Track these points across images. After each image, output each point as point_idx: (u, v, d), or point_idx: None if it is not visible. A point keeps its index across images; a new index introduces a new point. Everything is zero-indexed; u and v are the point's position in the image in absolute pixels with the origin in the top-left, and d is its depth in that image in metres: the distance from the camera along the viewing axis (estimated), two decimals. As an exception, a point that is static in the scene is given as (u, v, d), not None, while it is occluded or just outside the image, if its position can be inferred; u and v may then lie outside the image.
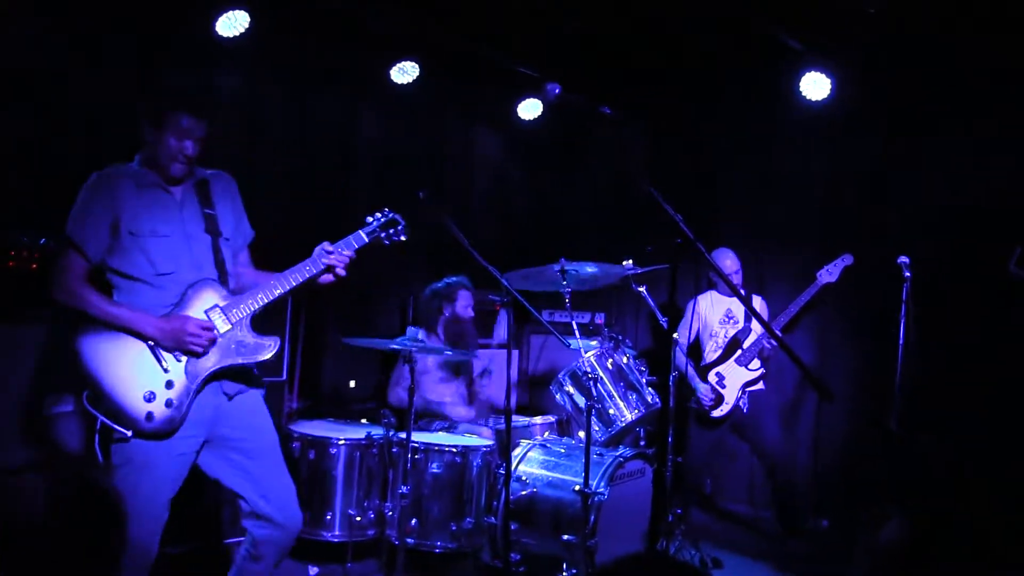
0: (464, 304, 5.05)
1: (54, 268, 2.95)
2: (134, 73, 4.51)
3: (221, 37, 4.65)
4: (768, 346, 5.12)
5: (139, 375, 2.86)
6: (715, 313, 5.32)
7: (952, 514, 4.36)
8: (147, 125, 3.00)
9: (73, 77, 4.26)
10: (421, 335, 4.81)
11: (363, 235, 3.27)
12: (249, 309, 3.06)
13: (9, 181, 4.09)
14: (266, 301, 3.08)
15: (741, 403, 5.10)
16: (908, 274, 4.52)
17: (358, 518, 4.28)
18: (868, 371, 5.40)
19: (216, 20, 4.60)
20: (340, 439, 4.31)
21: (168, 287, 2.97)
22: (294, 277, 3.11)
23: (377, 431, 4.37)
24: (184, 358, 2.92)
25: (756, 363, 5.15)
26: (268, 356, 3.06)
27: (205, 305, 2.99)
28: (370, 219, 3.33)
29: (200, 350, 2.92)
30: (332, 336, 5.24)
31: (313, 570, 4.26)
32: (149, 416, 2.84)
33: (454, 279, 5.09)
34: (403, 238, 3.36)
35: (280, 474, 3.17)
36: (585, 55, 5.75)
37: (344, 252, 3.19)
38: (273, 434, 3.23)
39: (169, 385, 2.89)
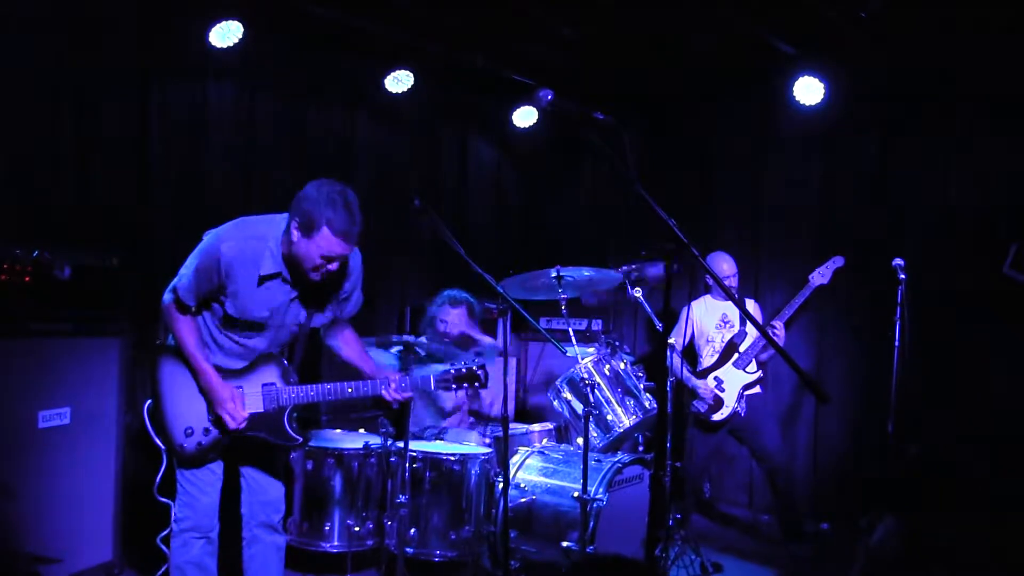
0: (447, 320, 4.92)
1: (164, 315, 3.20)
2: (127, 89, 4.53)
3: (215, 47, 4.66)
4: (764, 355, 5.13)
5: (189, 412, 3.18)
6: (711, 318, 5.32)
7: (941, 516, 4.36)
8: (298, 227, 2.99)
9: (64, 87, 4.27)
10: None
11: (431, 380, 3.32)
12: (296, 401, 3.22)
13: (2, 196, 4.09)
14: (312, 401, 3.24)
15: (740, 407, 5.10)
16: (903, 276, 4.53)
17: (357, 528, 4.26)
18: (865, 374, 5.41)
19: (210, 30, 4.61)
20: (338, 449, 4.29)
21: (245, 355, 3.22)
22: (348, 391, 3.24)
23: (375, 441, 4.36)
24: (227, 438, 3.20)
25: (753, 366, 5.15)
26: (295, 444, 3.25)
27: (265, 379, 3.22)
28: (450, 368, 3.34)
29: (228, 424, 3.13)
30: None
31: (312, 581, 4.25)
32: (181, 447, 3.19)
33: (444, 294, 5.02)
34: (480, 389, 3.40)
35: (266, 465, 3.39)
36: (579, 62, 5.77)
37: (404, 393, 3.28)
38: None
39: (206, 432, 3.19)
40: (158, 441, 3.26)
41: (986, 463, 4.79)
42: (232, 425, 3.12)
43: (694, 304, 5.43)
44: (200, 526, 3.26)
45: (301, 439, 3.25)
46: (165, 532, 3.24)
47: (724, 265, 5.23)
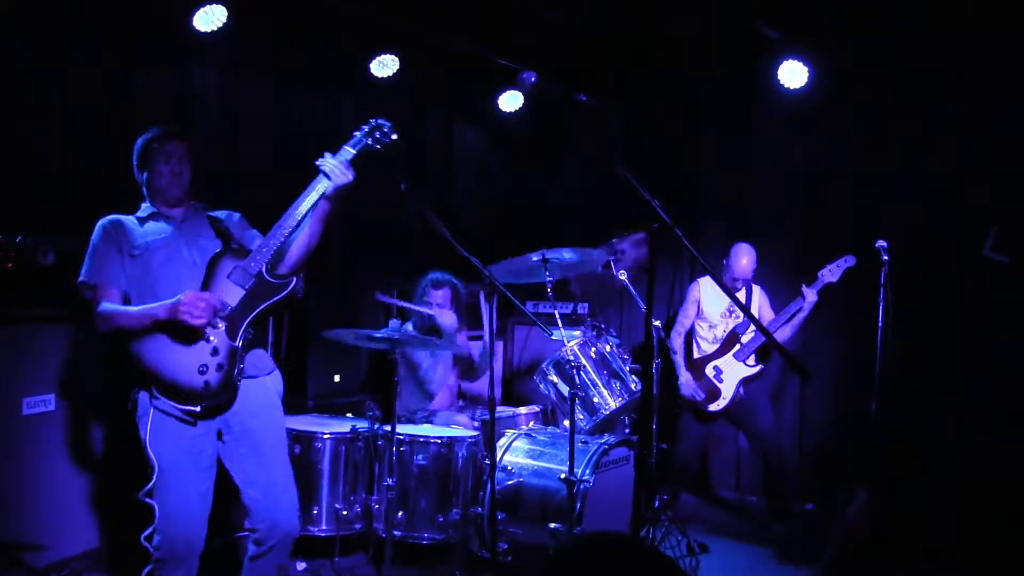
0: (431, 301, 4.92)
1: (89, 311, 3.09)
2: (110, 70, 4.48)
3: (199, 32, 4.62)
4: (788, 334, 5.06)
5: (188, 354, 3.00)
6: (718, 304, 5.24)
7: (919, 492, 4.41)
8: (138, 171, 3.25)
9: (45, 73, 4.23)
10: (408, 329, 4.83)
11: (349, 148, 3.24)
12: (267, 255, 3.11)
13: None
14: (280, 240, 3.11)
15: (737, 397, 5.09)
16: (886, 258, 4.56)
17: (345, 512, 4.28)
18: (849, 354, 5.45)
19: (193, 15, 4.58)
20: (325, 433, 4.30)
21: (165, 290, 3.06)
22: (295, 212, 3.12)
23: (362, 424, 4.37)
24: (221, 324, 3.03)
25: (753, 359, 5.11)
26: (291, 288, 3.12)
27: (227, 270, 3.09)
28: (356, 133, 3.30)
29: (196, 321, 2.96)
30: (315, 330, 5.23)
31: (301, 565, 4.26)
32: (207, 385, 3.00)
33: (428, 276, 5.03)
34: (394, 137, 3.30)
35: (279, 474, 3.22)
36: (563, 46, 5.76)
37: (345, 173, 3.16)
38: (280, 431, 3.30)
39: (215, 352, 3.02)
40: (190, 407, 2.99)
41: (960, 442, 4.85)
42: (199, 312, 2.93)
43: (701, 282, 5.36)
44: (178, 556, 3.03)
45: (294, 278, 3.13)
46: (149, 530, 3.08)
47: (744, 260, 5.10)
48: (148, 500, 3.02)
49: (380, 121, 3.30)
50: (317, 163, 3.17)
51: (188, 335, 3.00)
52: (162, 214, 3.23)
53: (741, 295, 5.19)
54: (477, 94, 6.37)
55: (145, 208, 3.26)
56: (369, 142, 3.27)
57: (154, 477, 3.00)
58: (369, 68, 5.55)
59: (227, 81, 5.12)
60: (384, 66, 5.57)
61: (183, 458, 3.05)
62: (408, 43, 5.51)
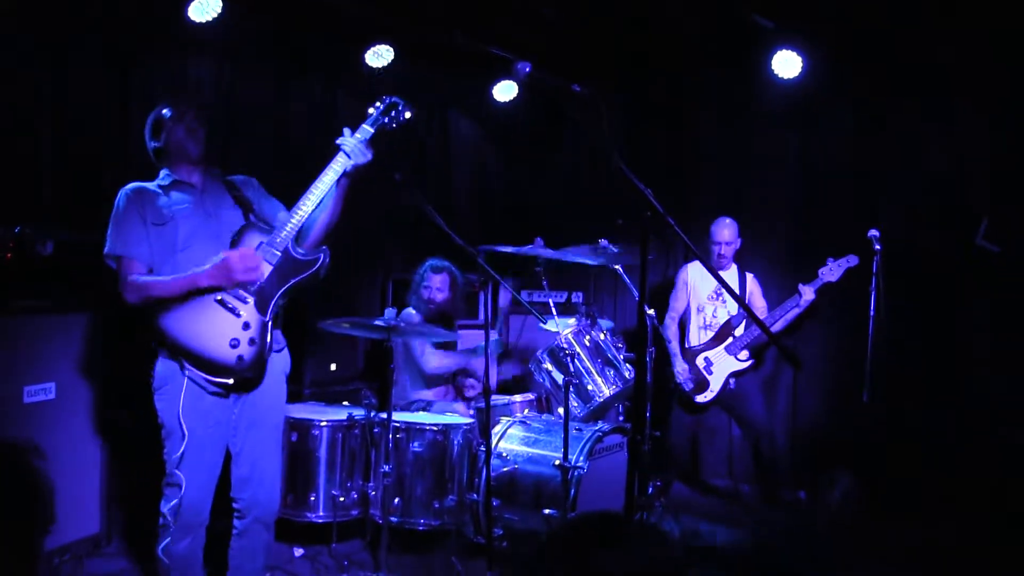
0: (431, 286, 4.99)
1: (117, 282, 3.10)
2: (106, 62, 4.49)
3: (194, 22, 4.64)
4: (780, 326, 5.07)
5: (219, 328, 3.04)
6: (705, 286, 5.26)
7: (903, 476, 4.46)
8: (153, 139, 3.23)
9: (41, 66, 4.24)
10: (413, 314, 4.92)
11: (367, 127, 3.29)
12: (291, 230, 3.15)
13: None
14: (303, 216, 3.15)
15: (726, 390, 5.12)
16: (878, 247, 4.60)
17: (342, 498, 4.32)
18: (841, 343, 5.49)
19: (188, 5, 4.59)
20: (322, 421, 4.34)
21: (190, 261, 3.08)
22: (316, 188, 3.17)
23: (359, 412, 4.41)
24: (250, 298, 3.08)
25: (745, 354, 5.13)
26: (320, 265, 3.19)
27: (252, 244, 3.13)
28: (371, 110, 3.35)
29: (250, 275, 3.05)
30: (311, 319, 5.26)
31: (298, 551, 4.31)
32: (240, 360, 3.05)
33: (427, 262, 5.08)
34: (407, 115, 3.37)
35: (269, 450, 3.31)
36: (559, 36, 5.77)
37: (365, 153, 3.22)
38: (280, 410, 3.39)
39: (246, 326, 3.07)
40: (222, 380, 3.04)
41: (951, 429, 4.91)
42: (253, 266, 3.04)
43: (690, 267, 5.37)
44: (188, 523, 3.08)
45: (321, 253, 3.20)
46: (175, 500, 3.08)
47: (725, 231, 5.14)
48: (176, 472, 3.03)
49: (395, 99, 3.36)
50: (337, 142, 3.21)
51: (214, 307, 3.04)
52: (183, 181, 3.22)
53: (732, 275, 5.23)
54: (472, 85, 6.39)
55: (164, 176, 3.24)
56: (385, 120, 3.33)
57: (182, 446, 3.03)
58: (364, 58, 5.56)
59: (222, 72, 5.13)
60: (379, 56, 5.58)
61: (209, 429, 3.10)
62: (402, 33, 5.52)
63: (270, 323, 3.12)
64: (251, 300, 3.09)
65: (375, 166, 3.25)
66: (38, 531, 1.58)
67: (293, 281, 3.16)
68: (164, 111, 3.21)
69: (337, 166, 3.19)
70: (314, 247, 3.24)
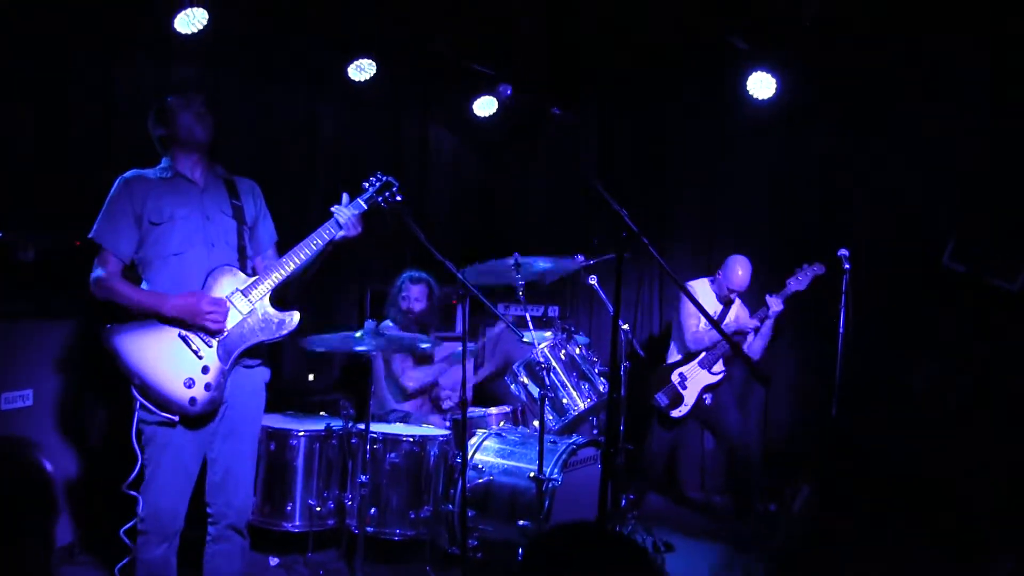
0: (409, 296, 5.05)
1: (93, 269, 3.09)
2: (90, 72, 4.52)
3: (180, 34, 4.67)
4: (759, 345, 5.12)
5: (176, 364, 3.02)
6: (708, 306, 5.26)
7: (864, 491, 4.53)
8: (158, 126, 3.21)
9: (24, 74, 4.26)
10: (392, 327, 4.95)
11: (362, 202, 3.34)
12: (268, 288, 3.18)
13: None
14: (283, 277, 3.19)
15: (701, 404, 5.18)
16: (848, 266, 4.69)
17: (318, 508, 4.35)
18: (810, 361, 5.59)
19: (175, 17, 4.62)
20: (300, 431, 4.37)
21: (184, 266, 3.10)
22: (303, 251, 3.22)
23: (336, 422, 4.44)
24: (214, 342, 3.07)
25: (719, 366, 5.18)
26: (290, 329, 3.22)
27: (225, 291, 3.13)
28: (366, 184, 3.40)
29: (216, 325, 3.05)
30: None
31: (274, 560, 4.32)
32: (192, 401, 3.01)
33: (405, 273, 5.14)
34: (400, 199, 3.42)
35: (245, 458, 3.31)
36: (538, 54, 5.87)
37: (355, 226, 3.29)
38: (258, 420, 3.39)
39: (205, 370, 3.05)
40: (168, 415, 3.00)
41: (916, 442, 5.00)
42: (218, 316, 3.03)
43: (694, 283, 5.39)
44: (164, 530, 3.08)
45: (290, 315, 3.20)
46: (130, 524, 3.11)
47: (740, 271, 5.15)
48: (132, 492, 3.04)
49: (389, 179, 3.42)
50: (332, 209, 3.28)
51: (175, 342, 3.02)
52: (185, 177, 3.21)
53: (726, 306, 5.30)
54: (452, 99, 6.46)
55: (166, 166, 3.22)
56: (379, 200, 3.39)
57: (146, 452, 3.04)
58: (347, 71, 5.62)
59: (207, 83, 5.16)
60: (361, 70, 5.64)
61: (188, 436, 3.10)
62: (384, 47, 5.58)
63: (230, 372, 3.11)
64: (214, 344, 3.08)
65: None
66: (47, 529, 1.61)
67: (259, 340, 3.18)
68: (171, 99, 3.20)
69: (326, 234, 3.25)
70: (286, 305, 3.27)
